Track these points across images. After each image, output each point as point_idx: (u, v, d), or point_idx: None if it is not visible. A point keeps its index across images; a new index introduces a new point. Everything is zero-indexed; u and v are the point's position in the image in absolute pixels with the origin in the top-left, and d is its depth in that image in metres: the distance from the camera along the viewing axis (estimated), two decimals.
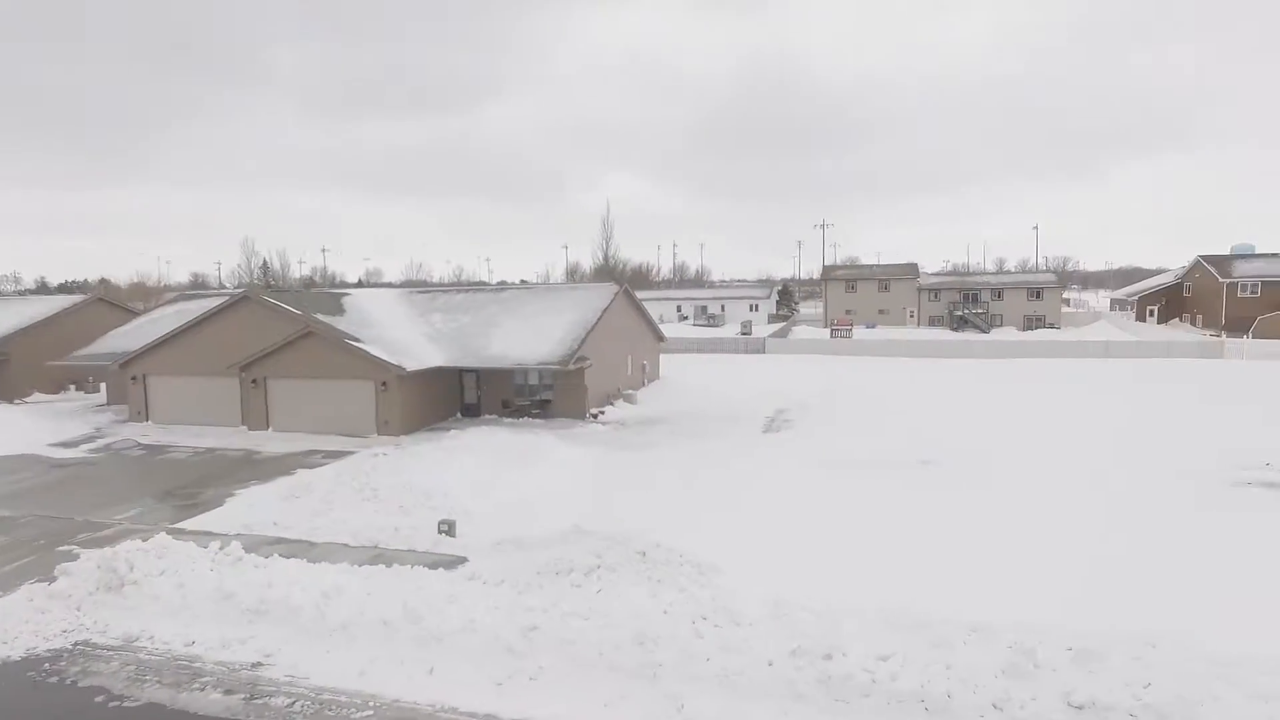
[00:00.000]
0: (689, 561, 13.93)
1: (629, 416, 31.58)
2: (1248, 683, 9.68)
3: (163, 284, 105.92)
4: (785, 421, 30.34)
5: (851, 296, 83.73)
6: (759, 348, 59.31)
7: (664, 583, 13.08)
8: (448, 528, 16.84)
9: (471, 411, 31.86)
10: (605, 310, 32.44)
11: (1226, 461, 22.19)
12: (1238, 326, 60.53)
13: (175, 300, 40.06)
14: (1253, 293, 63.55)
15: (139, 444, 27.88)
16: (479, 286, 41.72)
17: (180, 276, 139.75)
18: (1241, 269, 65.52)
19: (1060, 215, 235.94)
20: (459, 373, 31.58)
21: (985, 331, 72.98)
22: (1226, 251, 70.35)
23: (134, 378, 31.54)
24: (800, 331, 75.08)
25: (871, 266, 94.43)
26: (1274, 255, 66.92)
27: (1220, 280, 64.81)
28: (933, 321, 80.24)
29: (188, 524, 18.22)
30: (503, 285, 41.85)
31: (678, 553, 14.17)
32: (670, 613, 11.96)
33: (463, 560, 15.20)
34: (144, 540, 14.64)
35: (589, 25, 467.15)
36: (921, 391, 37.87)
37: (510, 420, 30.37)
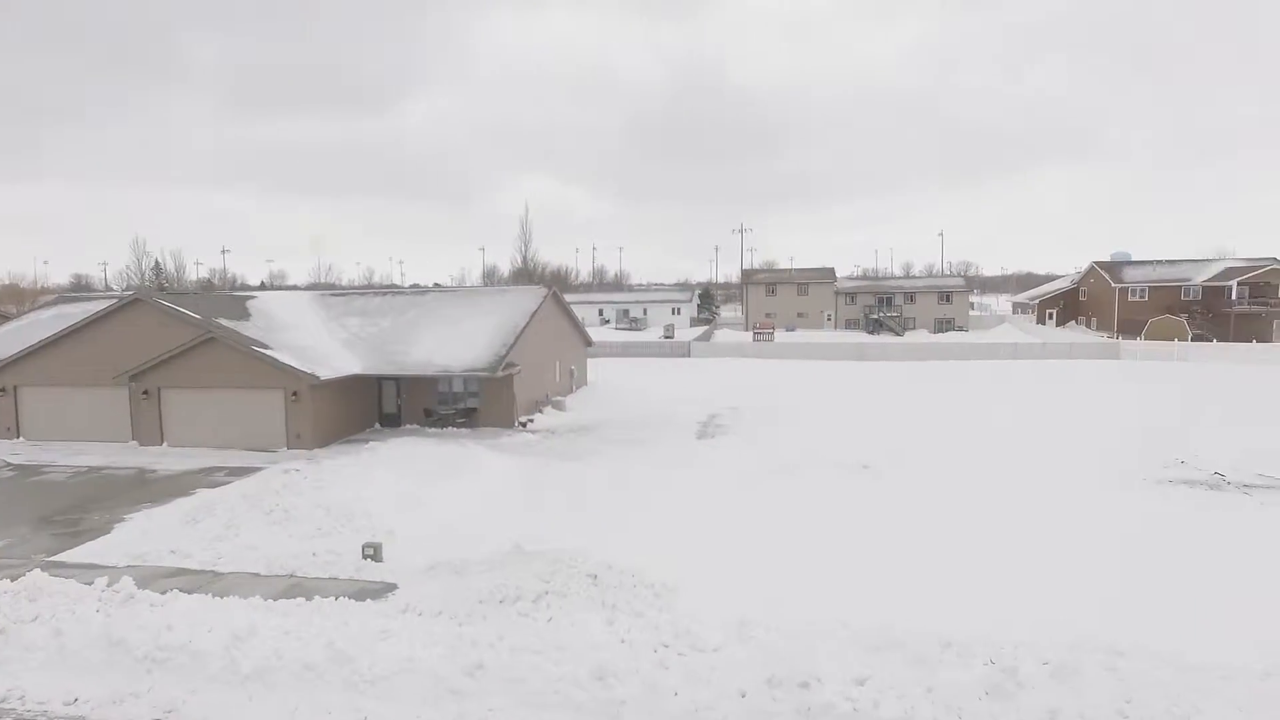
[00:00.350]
0: (644, 583, 13.02)
1: (559, 424, 30.45)
2: (1227, 693, 9.51)
3: (40, 286, 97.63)
4: (719, 427, 29.86)
5: (772, 300, 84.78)
6: (684, 351, 59.06)
7: (619, 608, 12.13)
8: (373, 551, 15.39)
9: (392, 422, 30.04)
10: (534, 314, 31.22)
11: (1150, 461, 22.95)
12: (1129, 328, 64.22)
13: (54, 303, 36.35)
14: (1142, 296, 67.59)
15: (8, 464, 24.90)
16: (397, 289, 39.66)
17: (60, 278, 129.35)
18: (1132, 274, 69.61)
19: (961, 222, 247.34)
20: (378, 381, 29.72)
21: (900, 334, 75.09)
22: (1107, 258, 74.59)
23: (2, 389, 28.28)
24: (723, 335, 75.41)
25: (790, 270, 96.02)
26: (1161, 262, 71.41)
27: (1113, 285, 68.66)
28: (849, 324, 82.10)
29: (68, 556, 16.08)
30: (424, 288, 39.91)
31: (631, 573, 13.25)
32: (629, 641, 11.02)
33: (392, 588, 13.83)
34: (12, 579, 12.67)
35: (511, 24, 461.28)
36: (848, 393, 38.22)
37: (434, 430, 28.75)
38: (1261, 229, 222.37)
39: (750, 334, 72.09)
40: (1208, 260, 71.93)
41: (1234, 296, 64.45)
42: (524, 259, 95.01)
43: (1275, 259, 66.55)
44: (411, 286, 66.26)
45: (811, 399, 36.40)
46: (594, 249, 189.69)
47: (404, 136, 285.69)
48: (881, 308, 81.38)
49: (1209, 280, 66.64)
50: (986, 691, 9.74)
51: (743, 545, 15.59)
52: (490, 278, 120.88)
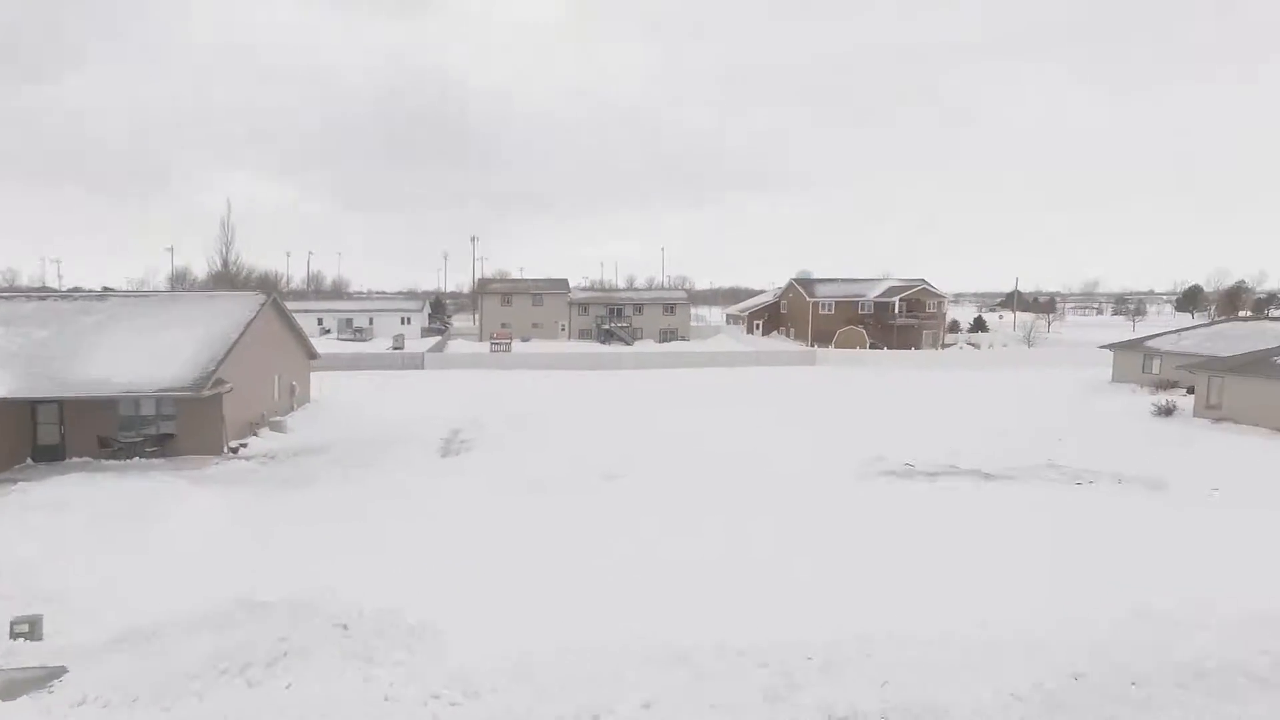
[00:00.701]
0: (402, 626, 11.53)
1: (280, 447, 26.87)
2: (966, 660, 10.63)
3: None
4: (464, 443, 28.40)
5: (507, 310, 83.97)
6: (418, 363, 56.01)
7: (377, 659, 10.57)
8: (28, 627, 11.98)
9: (51, 455, 24.31)
10: (249, 324, 27.22)
11: (855, 456, 25.87)
12: (821, 338, 73.36)
13: None
14: (830, 310, 77.65)
15: None
16: (60, 294, 32.51)
17: None
18: (822, 290, 79.72)
19: (679, 239, 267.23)
20: (31, 405, 23.91)
21: (629, 344, 78.41)
22: (797, 275, 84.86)
23: None
24: (457, 346, 72.96)
25: (525, 280, 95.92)
26: (844, 280, 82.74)
27: (808, 299, 78.05)
28: (583, 334, 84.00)
29: None
30: (94, 293, 33.23)
31: (388, 616, 11.67)
32: (394, 698, 9.61)
33: (60, 673, 10.80)
34: None
35: (215, 8, 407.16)
36: (590, 403, 38.70)
37: (115, 463, 23.74)
38: (912, 253, 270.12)
39: (487, 344, 70.61)
40: (876, 280, 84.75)
41: (897, 311, 76.57)
42: (225, 262, 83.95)
43: (924, 280, 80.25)
44: (73, 290, 55.17)
45: (555, 410, 36.25)
46: (309, 254, 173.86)
47: (69, 112, 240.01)
48: (612, 318, 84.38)
49: (878, 297, 78.46)
50: (765, 697, 9.89)
51: (507, 571, 14.61)
52: (181, 281, 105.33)
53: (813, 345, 69.15)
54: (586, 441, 28.27)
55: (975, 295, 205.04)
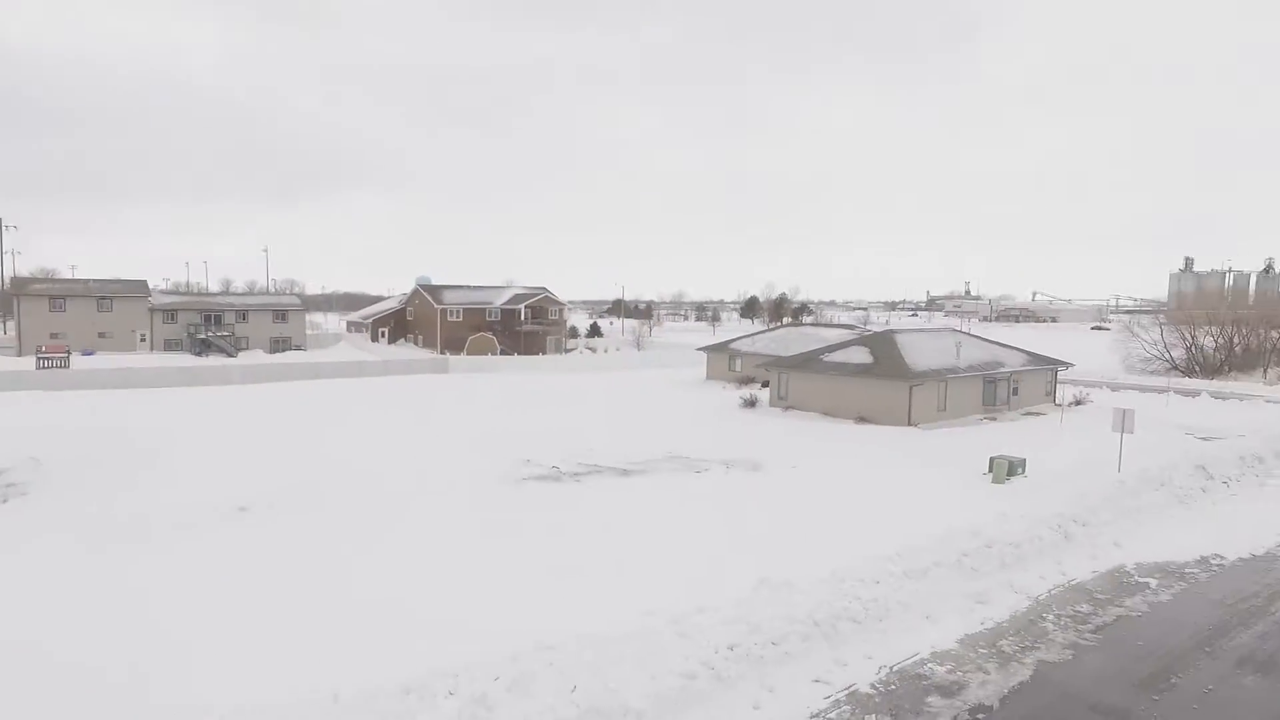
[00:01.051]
0: None
1: None
2: (656, 657, 11.25)
3: None
4: (13, 486, 22.17)
5: (60, 317, 67.82)
6: None
7: None
8: None
9: None
10: None
11: (513, 459, 26.11)
12: (452, 345, 72.88)
13: None
14: (458, 317, 77.50)
15: None
16: None
17: None
18: (450, 297, 79.15)
19: (282, 240, 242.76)
20: None
21: (232, 355, 69.17)
22: (416, 281, 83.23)
23: None
24: None
25: (85, 281, 78.25)
26: (471, 287, 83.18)
27: (436, 306, 76.86)
28: (169, 345, 71.64)
29: None
30: None
31: None
32: None
33: None
34: None
35: None
36: (198, 425, 33.12)
37: None
38: (527, 261, 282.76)
39: (33, 359, 56.20)
40: (502, 287, 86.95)
41: (523, 318, 79.48)
42: None
43: (545, 288, 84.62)
44: None
45: (145, 436, 30.24)
46: None
47: None
48: (210, 326, 73.48)
49: (505, 304, 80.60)
50: None
51: (124, 634, 11.66)
52: None
53: (444, 353, 68.35)
54: (201, 470, 24.10)
55: (586, 303, 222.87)
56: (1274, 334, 65.68)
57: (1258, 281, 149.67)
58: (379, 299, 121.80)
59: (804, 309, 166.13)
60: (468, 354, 66.50)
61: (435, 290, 79.95)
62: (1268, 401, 45.17)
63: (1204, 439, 31.06)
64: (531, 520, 19.13)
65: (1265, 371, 61.12)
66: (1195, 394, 47.74)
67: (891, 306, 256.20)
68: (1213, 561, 16.69)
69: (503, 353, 69.61)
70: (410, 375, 56.14)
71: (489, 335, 73.37)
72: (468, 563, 15.76)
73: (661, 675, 10.73)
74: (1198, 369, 63.28)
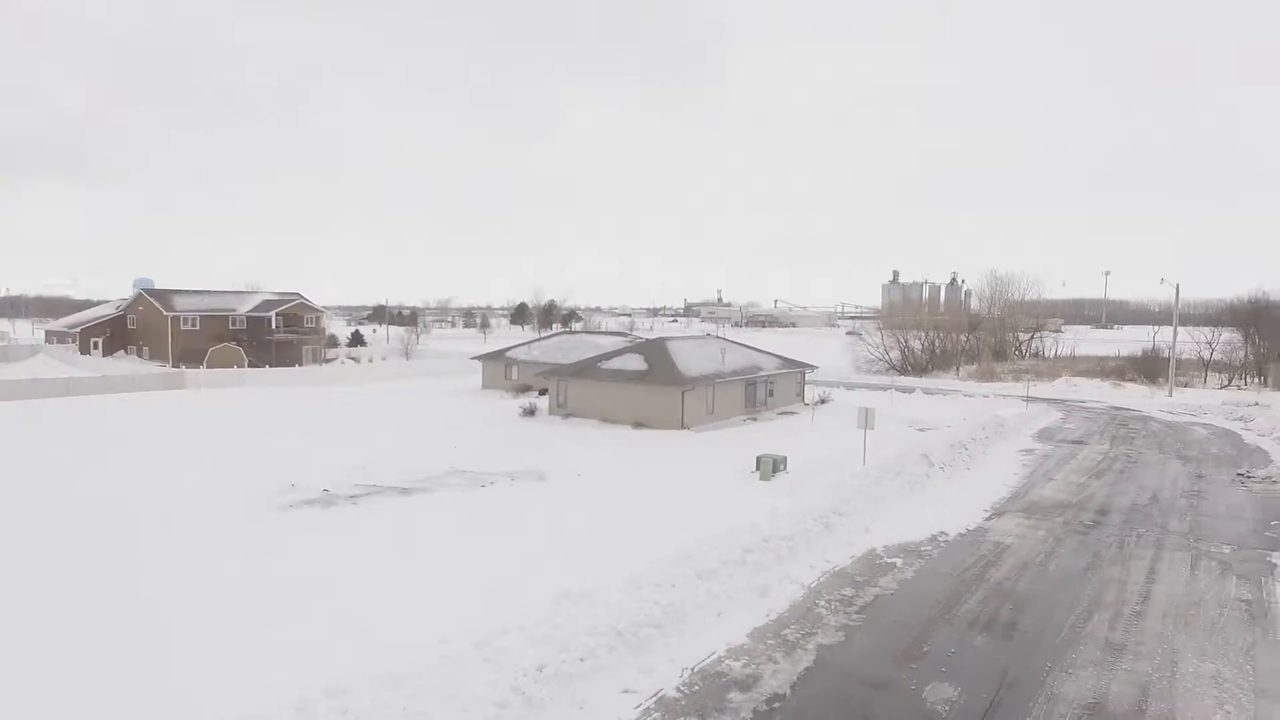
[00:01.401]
0: None
1: None
2: (461, 687, 10.64)
3: None
4: None
5: None
6: None
7: None
8: None
9: None
10: None
11: (276, 483, 23.53)
12: (188, 357, 64.46)
13: None
14: (195, 325, 68.77)
15: None
16: None
17: None
18: (183, 303, 69.95)
19: None
20: None
21: None
22: (142, 287, 72.77)
23: None
24: None
25: None
26: (209, 292, 74.09)
27: (166, 314, 67.54)
28: None
29: None
30: None
31: None
32: None
33: None
34: None
35: None
36: None
37: None
38: (272, 264, 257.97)
39: None
40: (248, 293, 78.62)
41: (274, 326, 72.49)
42: None
43: (299, 294, 77.96)
44: None
45: None
46: None
47: None
48: None
49: (251, 311, 72.99)
50: None
51: None
52: None
53: (179, 366, 60.29)
54: None
55: (344, 309, 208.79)
56: (962, 337, 78.69)
57: (946, 293, 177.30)
58: (87, 304, 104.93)
59: (573, 315, 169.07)
60: (208, 367, 59.25)
61: (164, 296, 70.30)
62: (965, 395, 53.78)
63: (921, 430, 36.19)
64: (301, 552, 17.42)
65: (958, 369, 72.85)
66: (911, 390, 55.58)
67: (654, 312, 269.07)
68: (940, 539, 19.42)
69: (252, 365, 62.90)
70: (138, 392, 48.83)
71: (234, 346, 65.99)
72: (229, 608, 13.95)
73: (472, 706, 10.26)
74: (910, 368, 73.84)
